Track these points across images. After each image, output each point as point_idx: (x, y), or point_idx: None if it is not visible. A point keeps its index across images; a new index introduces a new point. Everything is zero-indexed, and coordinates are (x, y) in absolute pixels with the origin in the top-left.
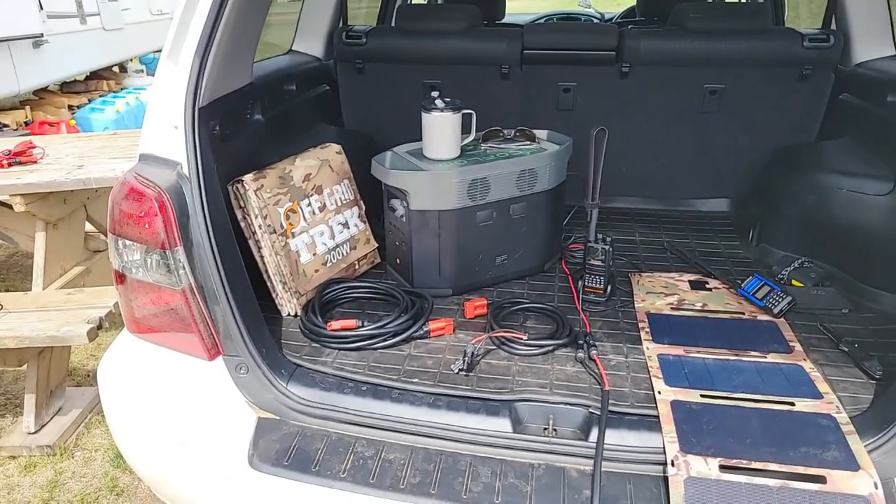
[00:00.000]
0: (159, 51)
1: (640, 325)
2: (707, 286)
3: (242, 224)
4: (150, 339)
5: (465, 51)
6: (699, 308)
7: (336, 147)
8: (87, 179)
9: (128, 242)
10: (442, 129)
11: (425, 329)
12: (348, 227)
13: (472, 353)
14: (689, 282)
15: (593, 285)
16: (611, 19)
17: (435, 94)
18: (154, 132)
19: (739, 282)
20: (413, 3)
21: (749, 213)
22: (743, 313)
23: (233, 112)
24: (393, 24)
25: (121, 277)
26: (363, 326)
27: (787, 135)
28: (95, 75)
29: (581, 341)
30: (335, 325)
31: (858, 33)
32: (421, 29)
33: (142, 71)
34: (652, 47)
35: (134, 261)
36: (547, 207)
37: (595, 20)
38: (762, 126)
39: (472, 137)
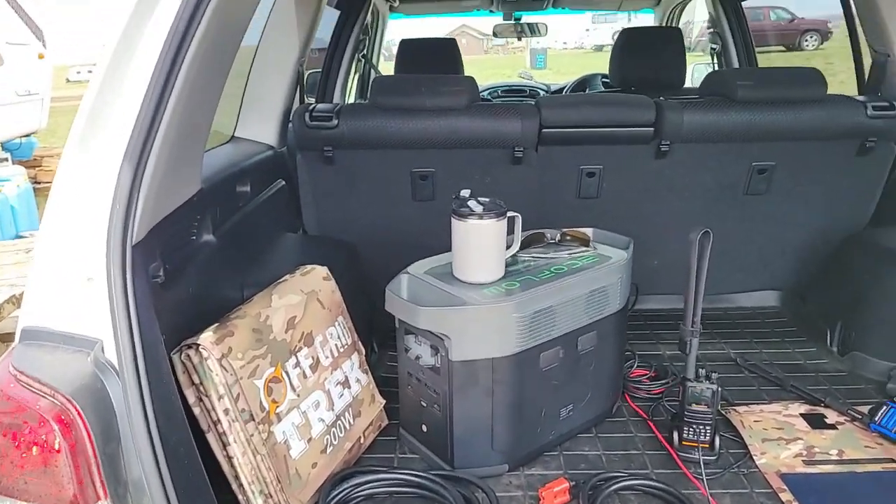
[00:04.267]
0: (27, 136)
1: (781, 495)
2: (827, 421)
3: (196, 410)
4: None
5: (469, 131)
6: (836, 458)
7: (322, 270)
8: None
9: None
10: (484, 243)
11: None
12: (349, 386)
13: None
14: (803, 416)
15: (695, 438)
16: (558, 91)
17: (465, 192)
18: (47, 291)
19: (863, 412)
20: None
21: (816, 310)
22: (894, 460)
23: (176, 238)
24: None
25: None
26: None
27: (840, 217)
28: None
29: None
30: None
31: None
32: (409, 105)
33: (6, 159)
34: (696, 121)
35: None
36: (616, 333)
37: (542, 91)
38: (814, 208)
39: (516, 248)
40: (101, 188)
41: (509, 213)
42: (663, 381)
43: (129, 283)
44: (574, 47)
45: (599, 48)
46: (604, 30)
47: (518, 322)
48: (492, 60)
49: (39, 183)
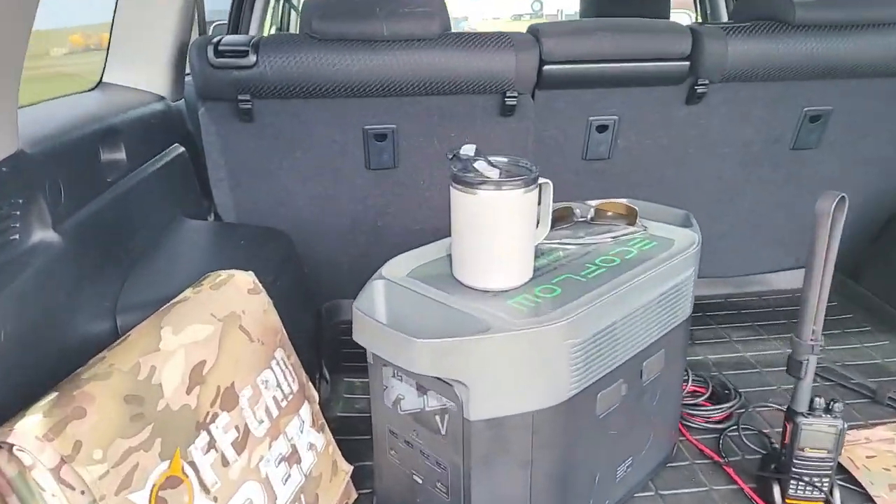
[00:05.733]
0: None
1: None
2: None
3: None
4: None
5: (443, 71)
6: None
7: (245, 278)
8: None
9: None
10: (506, 227)
11: None
12: (299, 461)
13: None
14: None
15: (808, 496)
16: None
17: (469, 148)
18: None
19: None
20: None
21: (878, 289)
22: None
23: None
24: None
25: None
26: None
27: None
28: None
29: None
30: None
31: None
32: (358, 34)
33: None
34: (744, 53)
35: None
36: (682, 349)
37: None
38: (873, 164)
39: (545, 232)
40: None
41: (541, 180)
42: (729, 405)
43: None
44: (493, 18)
45: (518, 17)
46: None
47: (572, 351)
48: None
49: None
